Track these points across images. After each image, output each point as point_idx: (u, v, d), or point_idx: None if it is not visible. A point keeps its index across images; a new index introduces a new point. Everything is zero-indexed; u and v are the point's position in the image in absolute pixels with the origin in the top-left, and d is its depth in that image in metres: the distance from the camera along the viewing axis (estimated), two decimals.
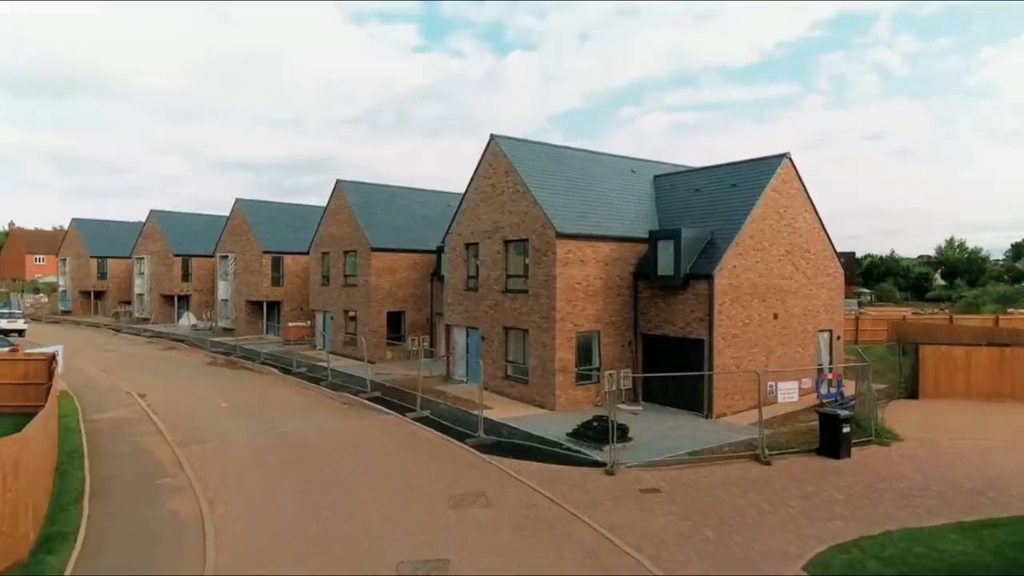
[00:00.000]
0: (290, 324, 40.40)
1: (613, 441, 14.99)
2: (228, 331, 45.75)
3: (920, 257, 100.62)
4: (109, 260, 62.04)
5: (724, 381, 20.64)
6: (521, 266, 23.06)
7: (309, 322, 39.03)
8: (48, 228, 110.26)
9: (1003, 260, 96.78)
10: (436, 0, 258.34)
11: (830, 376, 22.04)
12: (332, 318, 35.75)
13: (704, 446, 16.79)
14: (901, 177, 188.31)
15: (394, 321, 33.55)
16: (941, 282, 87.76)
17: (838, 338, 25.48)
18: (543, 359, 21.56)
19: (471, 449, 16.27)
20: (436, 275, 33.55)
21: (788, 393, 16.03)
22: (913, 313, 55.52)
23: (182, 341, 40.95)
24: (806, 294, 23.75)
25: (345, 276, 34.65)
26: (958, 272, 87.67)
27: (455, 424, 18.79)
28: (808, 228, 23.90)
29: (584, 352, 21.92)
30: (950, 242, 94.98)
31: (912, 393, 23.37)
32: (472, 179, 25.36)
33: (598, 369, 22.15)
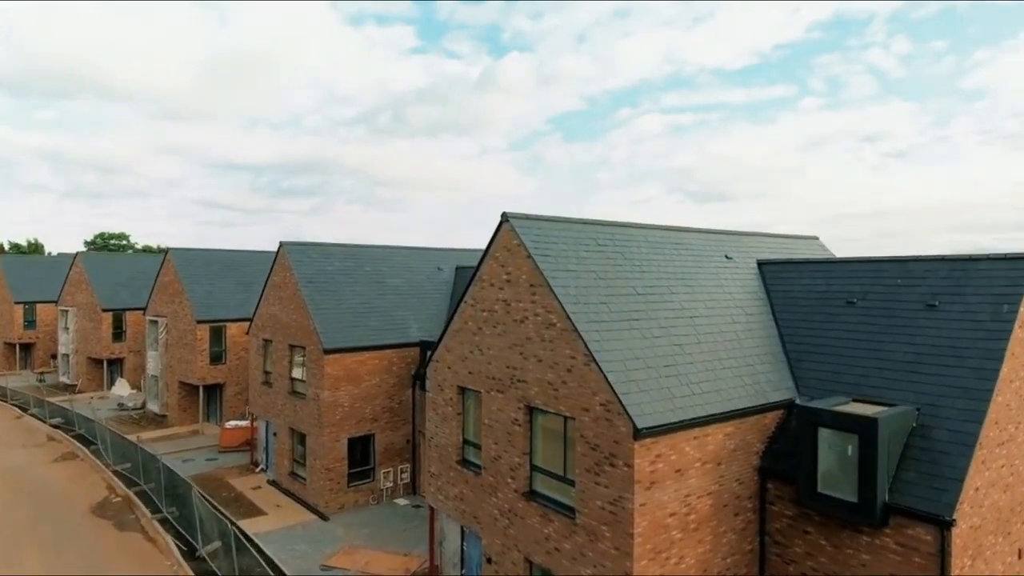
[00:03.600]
0: (228, 425, 30.15)
1: None
2: (159, 418, 35.64)
3: None
4: (39, 306, 51.95)
5: None
6: (560, 459, 12.90)
7: (252, 423, 28.85)
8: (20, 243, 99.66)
9: None
10: (433, 1, 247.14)
11: None
12: (276, 434, 25.61)
13: None
14: (899, 178, 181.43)
15: (361, 446, 23.45)
16: None
17: None
18: None
19: None
20: (420, 378, 23.51)
21: None
22: None
23: (89, 441, 30.77)
24: None
25: (291, 380, 24.48)
26: None
27: None
28: None
29: None
30: None
31: None
32: (473, 280, 15.18)
33: None
